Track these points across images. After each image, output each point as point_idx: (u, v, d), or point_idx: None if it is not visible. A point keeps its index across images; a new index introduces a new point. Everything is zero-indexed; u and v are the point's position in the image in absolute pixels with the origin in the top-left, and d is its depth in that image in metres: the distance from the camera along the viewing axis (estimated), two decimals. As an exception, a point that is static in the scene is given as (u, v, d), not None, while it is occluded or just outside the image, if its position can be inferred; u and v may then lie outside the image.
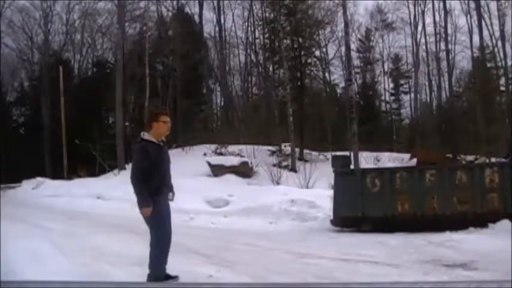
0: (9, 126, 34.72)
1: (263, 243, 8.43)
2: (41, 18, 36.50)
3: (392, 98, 40.67)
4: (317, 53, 34.35)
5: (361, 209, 9.78)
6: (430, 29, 36.50)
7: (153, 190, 5.19)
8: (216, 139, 25.23)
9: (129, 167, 8.78)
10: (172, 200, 5.67)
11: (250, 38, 37.34)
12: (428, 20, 36.50)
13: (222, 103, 38.28)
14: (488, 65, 33.28)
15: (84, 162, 25.56)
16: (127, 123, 26.93)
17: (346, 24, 23.58)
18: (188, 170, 19.34)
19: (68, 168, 25.44)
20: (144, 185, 5.15)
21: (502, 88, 32.61)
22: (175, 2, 34.79)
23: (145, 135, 5.30)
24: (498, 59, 33.27)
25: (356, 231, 9.62)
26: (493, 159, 20.79)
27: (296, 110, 27.21)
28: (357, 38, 38.70)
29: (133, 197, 5.37)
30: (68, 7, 36.80)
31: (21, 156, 29.80)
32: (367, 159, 23.26)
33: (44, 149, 32.87)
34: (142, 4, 31.04)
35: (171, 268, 6.05)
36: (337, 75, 37.28)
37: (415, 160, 22.41)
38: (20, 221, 10.02)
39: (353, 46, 34.53)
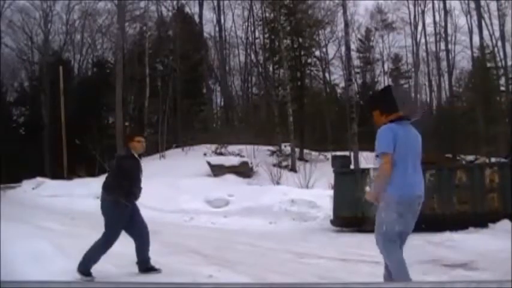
0: (9, 126, 34.68)
1: (263, 243, 8.43)
2: (41, 18, 36.47)
3: (393, 98, 40.55)
4: (317, 53, 34.36)
5: (361, 209, 9.76)
6: (430, 29, 36.48)
7: None
8: (216, 139, 25.21)
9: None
10: None
11: (250, 38, 37.28)
12: (428, 20, 36.50)
13: (222, 103, 38.29)
14: (488, 65, 33.22)
15: (84, 162, 25.51)
16: (127, 123, 26.89)
17: (346, 24, 23.66)
18: (188, 170, 19.37)
19: (67, 168, 25.40)
20: None
21: (502, 88, 32.60)
22: (175, 2, 34.76)
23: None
24: (498, 59, 33.22)
25: (356, 231, 9.61)
26: (493, 159, 20.77)
27: (296, 110, 27.20)
28: (357, 38, 38.63)
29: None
30: (68, 7, 36.79)
31: (21, 156, 29.78)
32: (367, 159, 23.20)
33: (44, 149, 32.84)
34: (142, 4, 31.08)
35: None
36: (337, 75, 37.23)
37: (415, 160, 22.33)
38: (20, 221, 10.00)
39: (353, 46, 34.47)
